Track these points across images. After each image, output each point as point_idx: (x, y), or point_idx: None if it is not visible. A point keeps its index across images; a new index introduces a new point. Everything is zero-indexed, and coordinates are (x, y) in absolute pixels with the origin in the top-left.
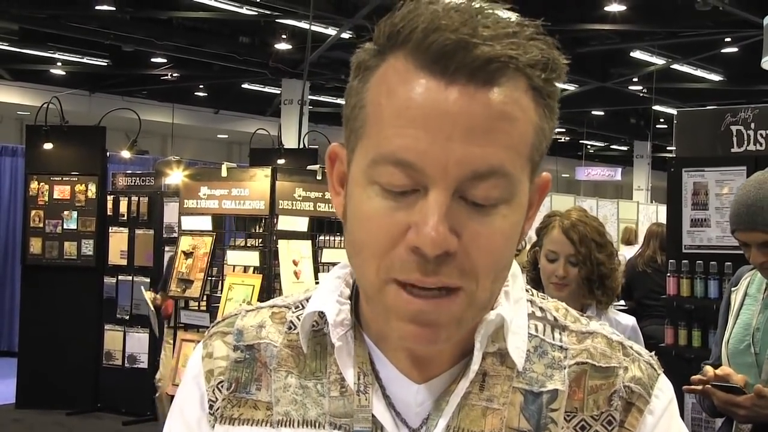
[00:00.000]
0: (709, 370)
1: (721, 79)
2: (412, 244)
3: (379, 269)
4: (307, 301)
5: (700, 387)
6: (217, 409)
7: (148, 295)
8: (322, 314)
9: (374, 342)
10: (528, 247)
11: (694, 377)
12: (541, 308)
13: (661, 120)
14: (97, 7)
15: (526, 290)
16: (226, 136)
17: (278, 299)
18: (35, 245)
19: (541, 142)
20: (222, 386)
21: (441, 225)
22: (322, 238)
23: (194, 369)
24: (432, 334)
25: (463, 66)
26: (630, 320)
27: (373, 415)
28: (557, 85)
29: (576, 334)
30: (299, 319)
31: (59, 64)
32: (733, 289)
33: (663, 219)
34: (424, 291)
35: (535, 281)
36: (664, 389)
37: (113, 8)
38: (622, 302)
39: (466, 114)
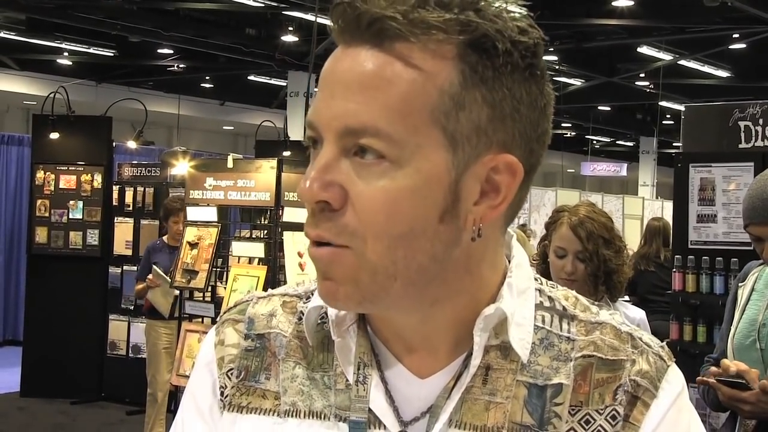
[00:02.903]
0: (728, 364)
1: (729, 75)
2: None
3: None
4: (315, 291)
5: (713, 380)
6: (227, 396)
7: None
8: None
9: (377, 336)
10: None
11: (712, 369)
12: (549, 297)
13: (668, 116)
14: None
15: (535, 279)
16: (232, 128)
17: (290, 287)
18: (41, 235)
19: (456, 112)
20: (232, 374)
21: (316, 176)
22: None
23: (207, 356)
24: (332, 288)
25: (350, 28)
26: (639, 313)
27: (370, 408)
28: (495, 54)
29: (585, 324)
30: (307, 310)
31: (66, 54)
32: (740, 284)
33: (669, 215)
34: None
35: (545, 275)
36: (672, 381)
37: None
38: (626, 298)
39: (347, 72)
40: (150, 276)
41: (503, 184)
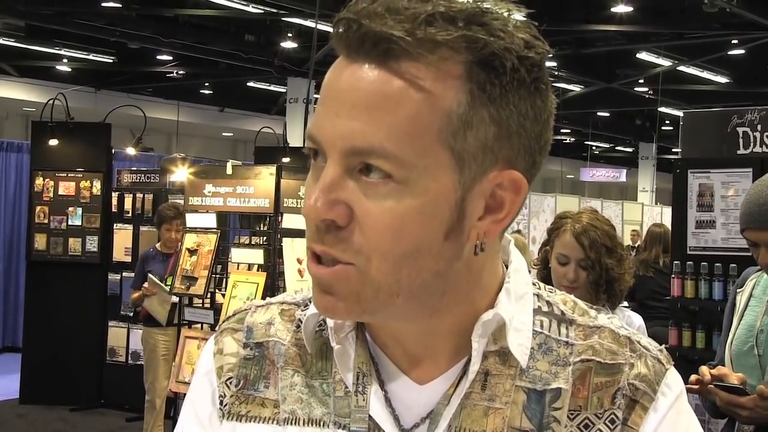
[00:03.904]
0: (705, 371)
1: (728, 81)
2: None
3: (306, 238)
4: None
5: (696, 386)
6: (226, 404)
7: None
8: None
9: (376, 342)
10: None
11: (692, 377)
12: (548, 302)
13: (667, 121)
14: (104, 4)
15: (533, 284)
16: (231, 134)
17: (288, 295)
18: (40, 241)
19: (464, 131)
20: (231, 382)
21: (322, 195)
22: None
23: (206, 365)
24: (332, 303)
25: (355, 45)
26: (637, 319)
27: (370, 416)
28: (503, 72)
29: (583, 328)
30: (305, 318)
31: (65, 60)
32: (738, 290)
33: (668, 221)
34: (324, 260)
35: (546, 280)
36: (671, 385)
37: (119, 5)
38: (625, 303)
39: (352, 91)
40: (146, 284)
41: (507, 200)
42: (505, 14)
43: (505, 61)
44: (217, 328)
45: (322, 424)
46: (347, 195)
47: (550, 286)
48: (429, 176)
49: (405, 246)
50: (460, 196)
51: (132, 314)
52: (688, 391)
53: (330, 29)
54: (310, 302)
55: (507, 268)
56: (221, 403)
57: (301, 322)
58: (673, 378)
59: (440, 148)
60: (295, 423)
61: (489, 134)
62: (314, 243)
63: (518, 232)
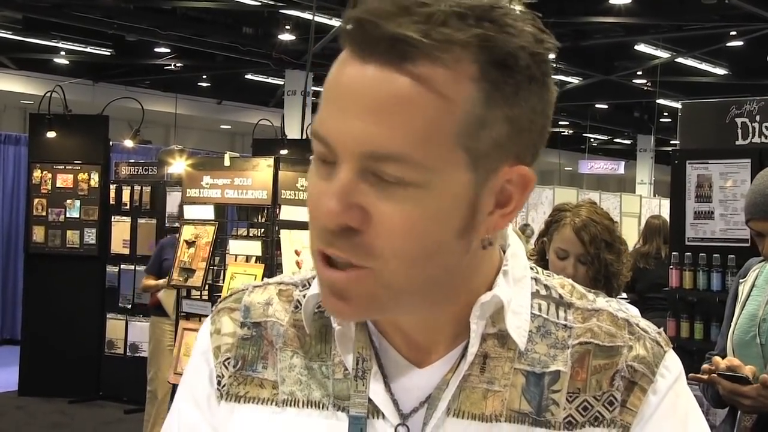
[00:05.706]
0: (718, 360)
1: (726, 72)
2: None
3: (311, 237)
4: (314, 279)
5: (706, 377)
6: (224, 385)
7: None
8: None
9: (376, 326)
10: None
11: (704, 366)
12: (546, 286)
13: (665, 114)
14: None
15: (531, 268)
16: (229, 127)
17: (286, 276)
18: (38, 234)
19: (479, 131)
20: (228, 363)
21: (338, 199)
22: None
23: (203, 345)
24: (344, 306)
25: (369, 45)
26: (633, 311)
27: (370, 399)
28: (516, 70)
29: (581, 311)
30: (305, 299)
31: (63, 53)
32: (741, 280)
33: (666, 212)
34: (338, 264)
35: None
36: (670, 367)
37: None
38: (624, 295)
39: (367, 93)
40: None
41: (515, 195)
42: (513, 7)
43: (519, 60)
44: (214, 308)
45: (321, 406)
46: (363, 198)
47: (547, 271)
48: (446, 178)
49: (422, 247)
50: (474, 194)
51: (130, 306)
52: (696, 380)
53: (327, 21)
54: (309, 283)
55: (504, 252)
56: (219, 383)
57: (300, 303)
58: (671, 360)
59: (457, 149)
60: (294, 405)
61: (502, 132)
62: (324, 245)
63: (525, 226)
